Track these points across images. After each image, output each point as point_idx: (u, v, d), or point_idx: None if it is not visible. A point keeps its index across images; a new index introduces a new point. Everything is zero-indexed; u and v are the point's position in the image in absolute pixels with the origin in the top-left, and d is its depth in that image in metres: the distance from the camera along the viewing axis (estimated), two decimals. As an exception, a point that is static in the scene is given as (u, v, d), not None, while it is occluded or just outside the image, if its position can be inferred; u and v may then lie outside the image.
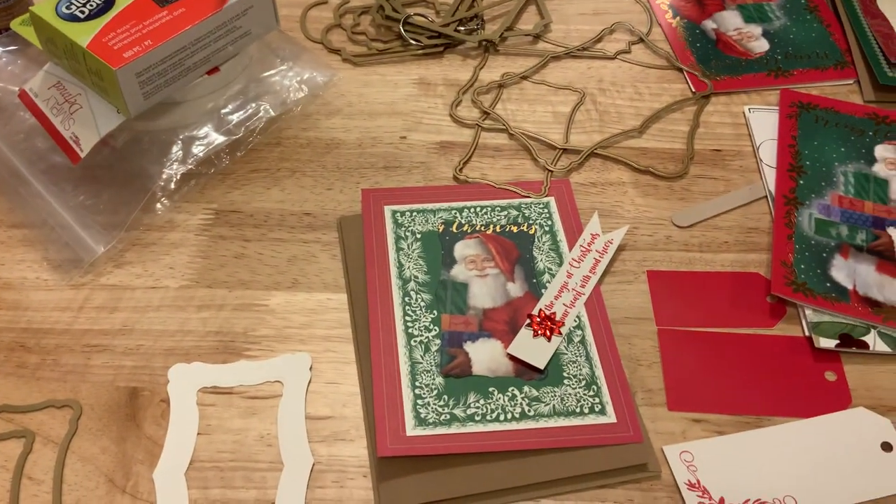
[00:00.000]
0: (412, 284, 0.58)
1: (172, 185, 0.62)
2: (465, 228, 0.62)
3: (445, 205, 0.64)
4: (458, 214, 0.63)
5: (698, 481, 0.50)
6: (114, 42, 0.58)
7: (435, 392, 0.53)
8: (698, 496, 0.50)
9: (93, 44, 0.58)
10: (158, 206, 0.63)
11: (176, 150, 0.62)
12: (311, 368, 0.55)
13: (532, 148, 0.68)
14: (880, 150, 0.68)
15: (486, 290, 0.59)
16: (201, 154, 0.62)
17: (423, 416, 0.52)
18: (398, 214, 0.63)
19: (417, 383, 0.53)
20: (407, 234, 0.62)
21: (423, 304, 0.57)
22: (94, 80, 0.60)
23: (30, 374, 0.54)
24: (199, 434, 0.52)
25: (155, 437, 0.52)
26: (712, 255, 0.62)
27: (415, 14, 0.77)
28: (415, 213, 0.63)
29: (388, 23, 0.78)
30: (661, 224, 0.64)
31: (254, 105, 0.65)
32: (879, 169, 0.66)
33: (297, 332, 0.57)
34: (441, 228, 0.62)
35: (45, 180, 0.63)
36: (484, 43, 0.77)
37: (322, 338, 0.57)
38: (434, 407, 0.52)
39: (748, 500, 0.50)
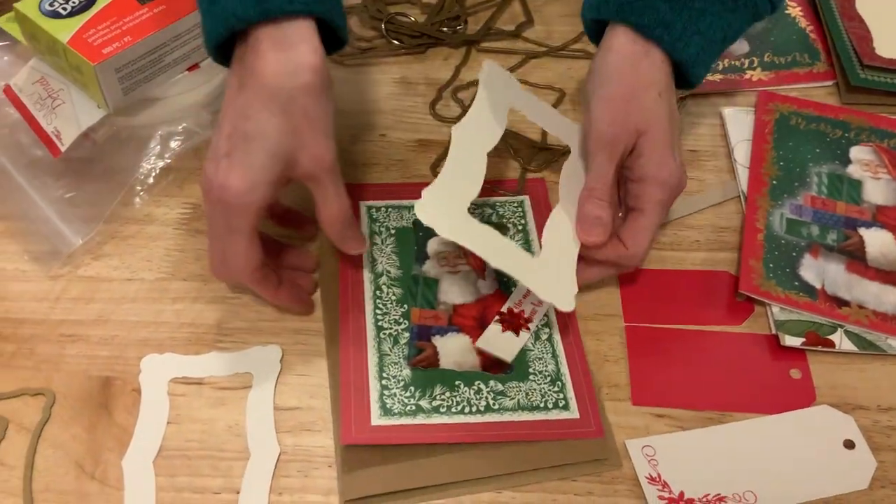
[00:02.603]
0: (384, 279, 0.59)
1: (151, 180, 0.63)
2: (438, 225, 0.63)
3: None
4: (432, 211, 0.64)
5: (659, 475, 0.51)
6: (94, 38, 0.59)
7: (402, 383, 0.54)
8: (658, 490, 0.50)
9: (73, 40, 0.59)
10: (137, 199, 0.63)
11: (154, 144, 0.63)
12: (281, 360, 0.56)
13: (509, 146, 0.69)
14: (855, 152, 0.68)
15: (456, 286, 0.59)
16: (178, 149, 0.63)
17: (388, 406, 0.52)
18: (373, 210, 0.64)
19: (385, 374, 0.54)
20: (381, 229, 0.62)
21: (393, 298, 0.58)
22: (75, 76, 0.61)
23: (5, 363, 0.55)
24: (168, 423, 0.53)
25: (125, 425, 0.53)
26: (683, 254, 0.62)
27: (397, 14, 0.78)
28: (390, 210, 0.64)
29: (372, 22, 0.79)
30: (634, 222, 0.64)
31: (233, 101, 0.66)
32: (854, 170, 0.67)
33: (270, 324, 0.58)
34: (415, 225, 0.63)
35: (27, 174, 0.64)
36: (466, 42, 0.78)
37: (294, 330, 0.57)
38: (400, 398, 0.53)
39: (708, 494, 0.50)
